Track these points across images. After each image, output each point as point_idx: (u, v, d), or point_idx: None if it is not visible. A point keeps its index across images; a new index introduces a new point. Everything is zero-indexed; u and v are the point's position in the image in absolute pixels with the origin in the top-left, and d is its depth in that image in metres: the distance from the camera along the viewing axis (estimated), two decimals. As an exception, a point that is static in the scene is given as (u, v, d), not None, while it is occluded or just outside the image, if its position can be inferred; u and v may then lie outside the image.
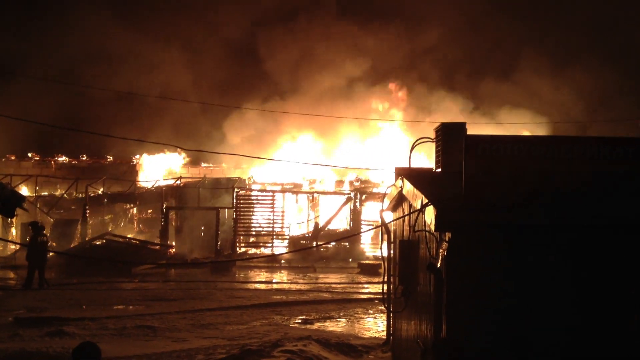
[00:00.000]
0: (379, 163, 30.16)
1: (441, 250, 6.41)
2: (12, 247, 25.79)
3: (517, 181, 6.32)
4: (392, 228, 12.98)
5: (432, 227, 6.64)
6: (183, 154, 36.65)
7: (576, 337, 6.05)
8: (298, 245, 27.56)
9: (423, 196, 7.34)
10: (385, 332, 13.56)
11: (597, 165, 6.25)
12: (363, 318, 15.86)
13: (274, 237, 28.51)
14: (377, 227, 13.41)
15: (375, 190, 29.62)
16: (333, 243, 27.81)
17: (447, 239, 6.44)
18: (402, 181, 9.62)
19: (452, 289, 6.34)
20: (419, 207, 7.61)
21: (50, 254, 20.79)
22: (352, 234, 26.64)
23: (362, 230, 28.35)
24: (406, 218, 10.47)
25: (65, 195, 29.81)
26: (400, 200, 10.95)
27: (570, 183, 6.25)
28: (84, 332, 13.20)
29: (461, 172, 9.86)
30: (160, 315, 15.28)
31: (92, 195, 28.95)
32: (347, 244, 27.32)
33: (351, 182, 30.56)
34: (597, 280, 6.09)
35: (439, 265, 6.44)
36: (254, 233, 28.99)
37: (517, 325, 6.16)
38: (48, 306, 16.31)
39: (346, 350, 11.95)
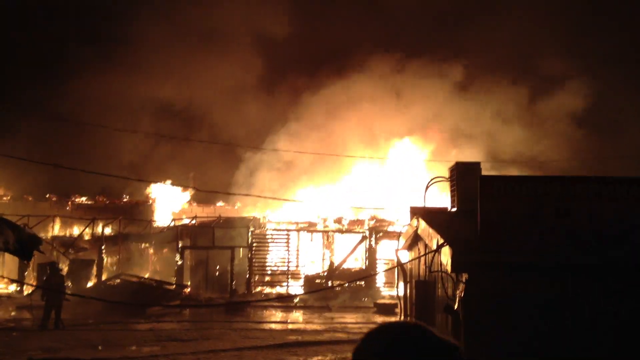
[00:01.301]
0: (394, 202, 30.24)
1: (458, 292, 6.37)
2: (29, 287, 25.87)
3: (533, 220, 6.30)
4: (408, 267, 12.92)
5: (449, 268, 6.62)
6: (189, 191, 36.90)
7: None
8: (313, 285, 27.40)
9: (439, 236, 7.34)
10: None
11: (613, 205, 6.22)
12: (379, 359, 15.63)
13: (289, 276, 28.37)
14: (392, 267, 13.27)
15: (390, 228, 29.48)
16: (348, 283, 27.61)
17: (463, 279, 6.41)
18: (418, 220, 9.62)
19: (470, 330, 6.29)
20: (434, 246, 7.60)
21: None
22: (368, 275, 26.46)
23: (377, 269, 28.19)
24: (422, 258, 10.43)
25: (83, 234, 29.98)
26: (415, 239, 10.93)
27: (587, 223, 6.22)
28: (99, 374, 13.13)
29: (476, 211, 9.92)
30: (174, 356, 15.17)
31: (108, 235, 29.06)
32: (362, 283, 27.11)
33: (365, 221, 30.48)
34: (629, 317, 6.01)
35: (456, 306, 6.39)
36: (269, 272, 28.86)
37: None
38: (63, 347, 16.25)
39: (362, 392, 11.74)
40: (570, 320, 6.05)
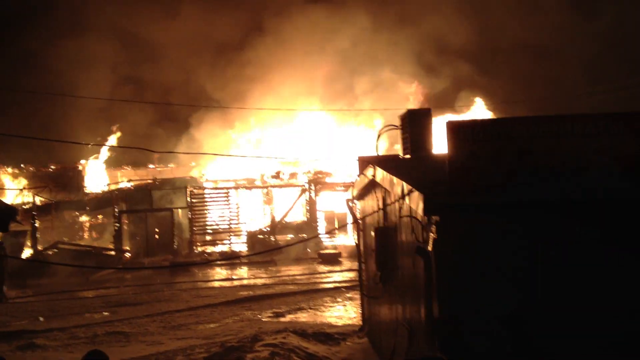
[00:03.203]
0: (328, 153, 30.49)
1: (431, 234, 6.61)
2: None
3: (498, 162, 6.57)
4: (359, 215, 13.20)
5: (420, 213, 6.85)
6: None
7: (569, 312, 6.36)
8: (256, 240, 27.52)
9: (404, 183, 7.53)
10: (358, 319, 13.82)
11: (572, 142, 6.56)
12: (333, 307, 16.07)
13: (231, 234, 28.39)
14: (352, 222, 13.55)
15: (328, 179, 29.81)
16: (291, 236, 27.93)
17: (434, 222, 6.66)
18: (374, 169, 9.78)
19: (443, 270, 6.56)
20: (399, 193, 7.81)
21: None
22: (314, 236, 26.85)
23: (318, 219, 28.56)
24: (377, 205, 10.69)
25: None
26: (370, 188, 11.15)
27: (548, 160, 6.55)
28: (55, 343, 12.96)
29: (429, 157, 10.20)
30: (129, 320, 15.10)
31: (39, 204, 28.07)
32: (304, 235, 27.45)
33: (304, 174, 30.66)
34: (581, 253, 6.41)
35: (430, 248, 6.65)
36: (210, 231, 28.76)
37: (508, 301, 6.42)
38: (11, 319, 15.87)
39: (323, 339, 12.12)
40: (537, 256, 6.41)
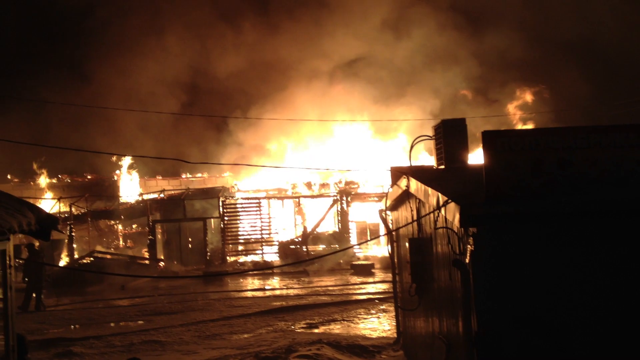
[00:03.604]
0: (360, 164, 30.47)
1: (468, 246, 6.54)
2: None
3: (537, 173, 6.48)
4: (393, 227, 13.13)
5: (456, 224, 6.78)
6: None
7: (610, 324, 6.22)
8: (288, 250, 27.58)
9: (439, 194, 7.47)
10: (392, 331, 13.71)
11: (613, 152, 6.44)
12: (367, 318, 15.97)
13: (263, 243, 28.50)
14: (386, 234, 13.47)
15: (360, 190, 29.78)
16: (323, 246, 27.92)
17: (471, 234, 6.58)
18: (408, 180, 9.73)
19: (482, 282, 6.47)
20: (434, 204, 7.74)
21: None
22: (366, 240, 26.80)
23: (350, 230, 28.52)
24: (411, 216, 10.63)
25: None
26: (403, 199, 11.08)
27: (588, 171, 6.43)
28: (92, 351, 13.12)
29: (465, 168, 10.11)
30: (164, 329, 15.22)
31: (76, 214, 28.61)
32: (337, 245, 27.41)
33: (336, 184, 30.69)
34: (627, 267, 6.28)
35: (467, 260, 6.57)
36: (242, 241, 28.92)
37: (549, 314, 6.30)
38: (48, 327, 16.13)
39: (358, 351, 12.05)
40: (581, 269, 6.29)
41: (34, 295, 18.39)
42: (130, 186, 35.63)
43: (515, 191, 6.50)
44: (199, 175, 39.32)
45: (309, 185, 30.87)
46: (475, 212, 6.37)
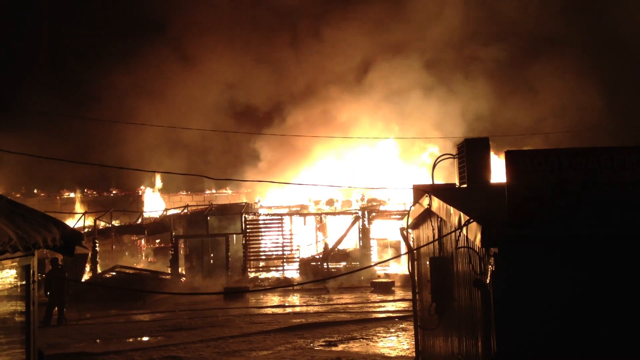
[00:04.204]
0: (382, 181, 30.39)
1: (489, 267, 6.47)
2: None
3: (559, 194, 6.41)
4: (414, 245, 13.05)
5: (477, 244, 6.72)
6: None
7: (634, 348, 6.10)
8: (309, 267, 27.53)
9: (461, 213, 7.41)
10: (411, 350, 13.58)
11: (637, 173, 6.36)
12: (386, 337, 15.85)
13: (284, 260, 28.49)
14: (407, 252, 13.36)
15: (382, 207, 29.68)
16: (344, 263, 27.82)
17: (492, 254, 6.52)
18: (430, 198, 9.69)
19: (502, 303, 6.39)
20: (456, 223, 7.69)
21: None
22: (388, 259, 26.75)
23: (371, 247, 28.39)
24: (432, 235, 10.56)
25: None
26: (425, 217, 11.03)
27: (613, 193, 6.35)
28: (112, 367, 13.17)
29: (487, 187, 10.04)
30: (184, 345, 15.25)
31: (100, 228, 28.90)
32: (357, 263, 27.31)
33: (358, 201, 30.64)
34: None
35: (488, 280, 6.50)
36: (263, 257, 28.95)
37: (569, 338, 6.20)
38: (70, 341, 16.25)
39: (377, 370, 11.95)
40: (602, 291, 6.19)
41: (56, 309, 18.54)
42: (155, 201, 35.99)
43: (538, 212, 6.43)
44: (224, 191, 39.57)
45: (330, 202, 30.86)
46: (497, 232, 6.32)
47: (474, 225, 6.74)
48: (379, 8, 37.52)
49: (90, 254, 27.24)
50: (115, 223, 30.41)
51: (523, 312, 6.37)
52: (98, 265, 27.41)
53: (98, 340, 16.43)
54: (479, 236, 6.49)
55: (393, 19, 37.04)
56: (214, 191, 39.22)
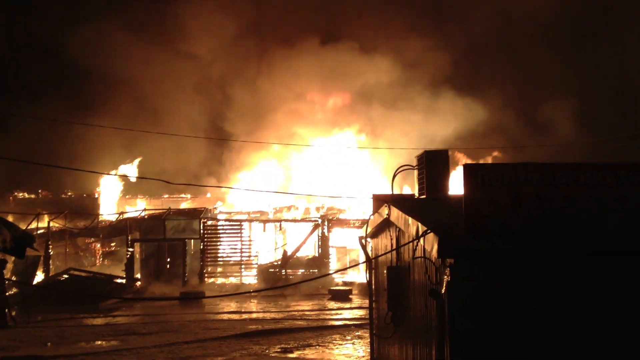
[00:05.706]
0: (343, 190, 30.54)
1: (445, 277, 6.57)
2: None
3: (515, 208, 6.54)
4: (372, 254, 13.14)
5: (434, 254, 6.81)
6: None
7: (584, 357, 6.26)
8: (267, 274, 27.44)
9: (419, 223, 7.51)
10: (366, 358, 13.66)
11: (592, 191, 6.53)
12: (342, 344, 15.89)
13: (242, 266, 28.33)
14: (365, 261, 13.42)
15: (342, 216, 29.80)
16: (302, 270, 27.80)
17: (448, 264, 6.62)
18: (389, 208, 9.79)
19: (456, 314, 6.49)
20: (414, 233, 7.79)
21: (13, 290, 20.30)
22: (346, 267, 26.72)
23: (330, 255, 28.44)
24: (390, 244, 10.66)
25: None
26: (384, 227, 11.13)
27: (567, 209, 6.51)
28: (62, 371, 12.88)
29: (445, 198, 10.18)
30: (137, 350, 15.01)
31: (54, 230, 28.26)
32: (315, 270, 27.34)
33: (317, 209, 30.71)
34: (598, 305, 6.33)
35: (443, 290, 6.59)
36: (221, 263, 28.74)
37: (522, 348, 6.33)
38: (19, 345, 15.84)
39: (332, 378, 11.97)
40: (554, 305, 6.34)
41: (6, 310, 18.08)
42: (111, 204, 35.39)
43: (494, 225, 6.55)
44: (183, 195, 39.16)
45: (290, 209, 30.87)
46: (453, 244, 6.42)
47: (431, 236, 6.84)
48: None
49: (42, 256, 26.61)
50: (69, 225, 29.77)
51: (477, 323, 6.48)
52: (51, 268, 26.81)
53: (48, 344, 16.06)
54: (435, 247, 6.59)
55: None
56: (172, 196, 38.78)
